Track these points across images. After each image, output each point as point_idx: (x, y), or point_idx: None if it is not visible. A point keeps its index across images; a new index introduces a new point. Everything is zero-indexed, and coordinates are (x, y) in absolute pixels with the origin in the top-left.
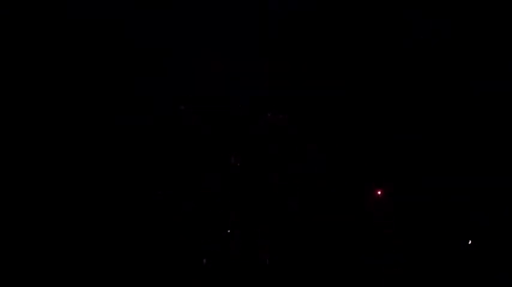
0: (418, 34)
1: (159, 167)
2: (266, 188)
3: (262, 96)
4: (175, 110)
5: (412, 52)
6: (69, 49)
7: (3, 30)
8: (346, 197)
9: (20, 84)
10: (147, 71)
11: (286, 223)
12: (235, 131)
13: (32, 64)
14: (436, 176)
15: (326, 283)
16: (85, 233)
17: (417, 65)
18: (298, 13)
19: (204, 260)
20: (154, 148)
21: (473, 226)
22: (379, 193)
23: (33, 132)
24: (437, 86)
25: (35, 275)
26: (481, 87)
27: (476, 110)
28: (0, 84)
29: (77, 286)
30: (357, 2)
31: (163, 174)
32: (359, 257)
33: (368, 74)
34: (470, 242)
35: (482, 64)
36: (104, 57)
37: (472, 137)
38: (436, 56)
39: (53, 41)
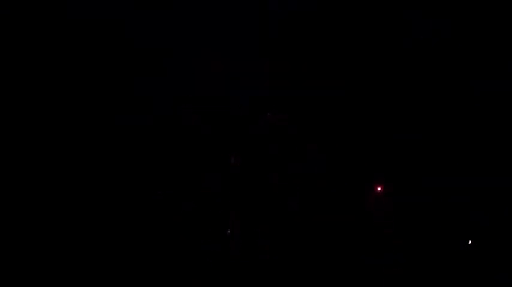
0: (418, 34)
1: (159, 167)
2: (266, 188)
3: (262, 96)
4: (175, 110)
5: (412, 52)
6: (69, 49)
7: (3, 30)
8: (346, 197)
9: (19, 84)
10: (147, 71)
11: (286, 223)
12: (235, 131)
13: (31, 64)
14: (436, 176)
15: (326, 283)
16: (84, 233)
17: (417, 65)
18: (298, 13)
19: (204, 260)
20: (154, 148)
21: (473, 226)
22: (378, 189)
23: (33, 131)
24: (437, 86)
25: (35, 275)
26: (481, 87)
27: (476, 110)
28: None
29: (77, 286)
30: (357, 2)
31: (163, 174)
32: (359, 257)
33: (368, 74)
34: (470, 242)
35: (482, 64)
36: (104, 57)
37: (472, 137)
38: (436, 56)
39: (53, 41)
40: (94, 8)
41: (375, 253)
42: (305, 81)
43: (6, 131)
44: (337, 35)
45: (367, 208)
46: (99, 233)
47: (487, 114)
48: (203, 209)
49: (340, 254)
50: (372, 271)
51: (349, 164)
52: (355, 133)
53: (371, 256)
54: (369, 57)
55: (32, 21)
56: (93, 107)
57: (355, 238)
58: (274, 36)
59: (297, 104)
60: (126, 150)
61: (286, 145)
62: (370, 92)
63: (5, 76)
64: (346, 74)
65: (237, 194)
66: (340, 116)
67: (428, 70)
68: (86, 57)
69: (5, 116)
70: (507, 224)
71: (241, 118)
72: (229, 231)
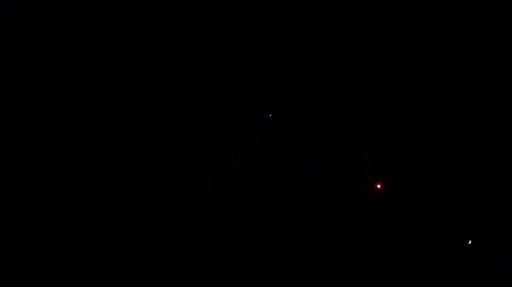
0: (417, 36)
1: (159, 167)
2: (266, 188)
3: (262, 97)
4: (174, 110)
5: (412, 52)
6: (69, 49)
7: (3, 30)
8: (346, 197)
9: (18, 84)
10: (147, 71)
11: (286, 223)
12: (235, 131)
13: (30, 64)
14: (436, 176)
15: (326, 282)
16: (84, 232)
17: (417, 65)
18: (298, 13)
19: (204, 261)
20: (154, 147)
21: (473, 226)
22: (378, 186)
23: (32, 131)
24: (437, 85)
25: (35, 275)
26: (481, 87)
27: (476, 110)
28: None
29: (77, 286)
30: (357, 2)
31: (163, 174)
32: (359, 257)
33: (368, 73)
34: (470, 242)
35: (482, 64)
36: (104, 57)
37: (472, 137)
38: (436, 56)
39: (53, 41)
40: (94, 8)
41: (375, 252)
42: (305, 81)
43: (6, 130)
44: (337, 35)
45: (367, 208)
46: (99, 233)
47: (487, 114)
48: (203, 209)
49: (341, 254)
50: (372, 271)
51: (349, 164)
52: (355, 133)
53: (371, 256)
54: (368, 57)
55: (31, 21)
56: (93, 107)
57: (355, 237)
58: (274, 36)
59: (296, 104)
60: (126, 150)
61: (286, 145)
62: (370, 92)
63: (5, 76)
64: (346, 73)
65: (237, 194)
66: (340, 116)
67: (428, 70)
68: (86, 57)
69: (4, 116)
70: (507, 224)
71: (241, 118)
72: (229, 231)
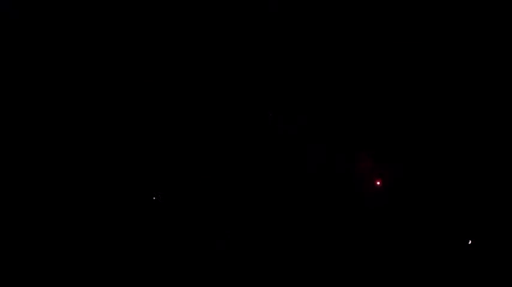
0: (417, 34)
1: (159, 167)
2: (266, 188)
3: (262, 96)
4: (176, 110)
5: (411, 52)
6: (68, 49)
7: (3, 30)
8: (346, 196)
9: (18, 84)
10: (147, 71)
11: (286, 223)
12: (235, 131)
13: (30, 63)
14: (436, 176)
15: (327, 282)
16: (83, 233)
17: (417, 64)
18: (298, 13)
19: (204, 261)
20: (153, 147)
21: (473, 226)
22: (378, 183)
23: (32, 131)
24: (437, 85)
25: (35, 275)
26: (480, 87)
27: (476, 110)
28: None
29: (77, 286)
30: (357, 2)
31: (163, 174)
32: (359, 257)
33: (368, 73)
34: (470, 242)
35: (482, 64)
36: (104, 57)
37: (472, 137)
38: (436, 56)
39: (53, 41)
40: (94, 8)
41: (375, 252)
42: (305, 81)
43: (5, 130)
44: (337, 35)
45: (367, 207)
46: (99, 233)
47: (486, 114)
48: (203, 209)
49: (340, 254)
50: (372, 270)
51: (349, 164)
52: (355, 133)
53: (371, 256)
54: (369, 57)
55: (31, 21)
56: (92, 107)
57: (355, 238)
58: (274, 36)
59: (296, 104)
60: (126, 150)
61: (286, 145)
62: (370, 91)
63: (5, 76)
64: (346, 73)
65: (237, 194)
66: (339, 116)
67: (428, 70)
68: (86, 56)
69: (4, 115)
70: (507, 224)
71: (241, 118)
72: (229, 231)
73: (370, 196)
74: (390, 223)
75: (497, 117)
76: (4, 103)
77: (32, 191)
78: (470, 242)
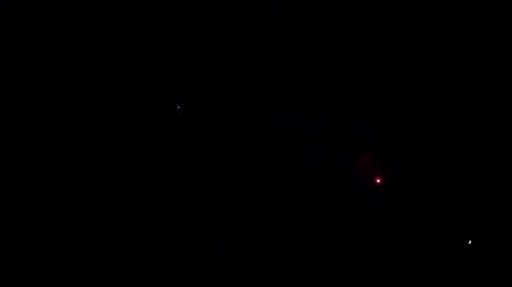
0: (416, 33)
1: (159, 167)
2: (266, 188)
3: (262, 97)
4: (174, 109)
5: (411, 52)
6: (68, 49)
7: (3, 30)
8: (346, 196)
9: (18, 84)
10: (147, 71)
11: (286, 223)
12: (235, 131)
13: (30, 63)
14: (436, 176)
15: (327, 282)
16: (83, 232)
17: (417, 64)
18: (298, 13)
19: (204, 261)
20: (153, 148)
21: (473, 226)
22: (378, 181)
23: (33, 131)
24: (437, 85)
25: (35, 275)
26: (480, 87)
27: (476, 110)
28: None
29: (77, 286)
30: (356, 2)
31: (163, 174)
32: (359, 257)
33: (368, 73)
34: (470, 242)
35: (482, 64)
36: (104, 57)
37: (472, 137)
38: (436, 56)
39: (53, 41)
40: (94, 8)
41: (375, 252)
42: (305, 81)
43: (5, 130)
44: (336, 35)
45: (367, 207)
46: (99, 233)
47: (486, 114)
48: (203, 209)
49: (340, 254)
50: (372, 271)
51: (349, 164)
52: (355, 133)
53: (371, 256)
54: (368, 57)
55: (30, 21)
56: (92, 107)
57: (355, 238)
58: (274, 36)
59: (296, 104)
60: (125, 150)
61: (286, 145)
62: (370, 91)
63: (5, 76)
64: (345, 73)
65: (238, 194)
66: (339, 116)
67: (428, 70)
68: (86, 56)
69: (4, 115)
70: (507, 224)
71: (241, 118)
72: (229, 231)
73: (370, 196)
74: (390, 222)
75: (497, 117)
76: (4, 103)
77: (32, 191)
78: (470, 242)
